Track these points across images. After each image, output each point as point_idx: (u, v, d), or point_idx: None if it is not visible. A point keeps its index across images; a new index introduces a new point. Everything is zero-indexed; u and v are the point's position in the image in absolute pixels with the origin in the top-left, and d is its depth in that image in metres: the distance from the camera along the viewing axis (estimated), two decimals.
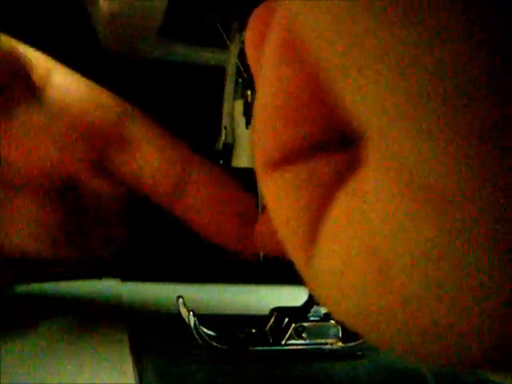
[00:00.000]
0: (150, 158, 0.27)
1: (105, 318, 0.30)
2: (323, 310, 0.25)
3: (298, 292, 0.25)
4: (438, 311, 0.10)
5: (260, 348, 0.25)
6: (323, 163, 0.12)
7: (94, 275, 0.35)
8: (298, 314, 0.25)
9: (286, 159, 0.12)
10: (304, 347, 0.25)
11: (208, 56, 0.32)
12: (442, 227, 0.09)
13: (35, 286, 0.33)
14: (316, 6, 0.09)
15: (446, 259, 0.09)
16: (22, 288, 0.32)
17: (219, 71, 0.28)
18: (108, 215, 0.29)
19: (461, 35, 0.08)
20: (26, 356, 0.25)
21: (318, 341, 0.25)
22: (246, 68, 0.26)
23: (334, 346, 0.25)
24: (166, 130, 0.28)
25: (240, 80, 0.27)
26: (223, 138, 0.28)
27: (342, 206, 0.11)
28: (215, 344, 0.24)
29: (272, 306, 0.26)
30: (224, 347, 0.24)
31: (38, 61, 0.26)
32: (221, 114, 0.28)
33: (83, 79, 0.27)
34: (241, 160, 0.27)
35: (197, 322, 0.24)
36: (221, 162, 0.28)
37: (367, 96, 0.09)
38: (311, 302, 0.25)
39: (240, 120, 0.27)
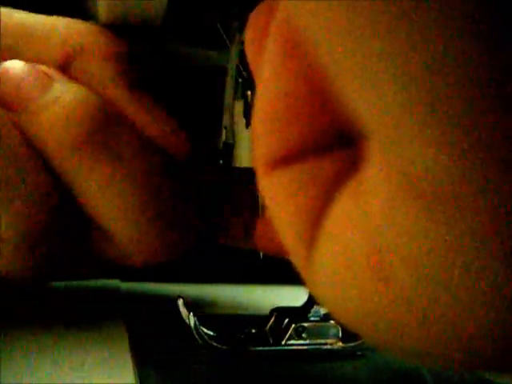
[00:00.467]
0: None
1: (104, 317, 0.30)
2: (323, 311, 0.25)
3: (298, 292, 0.25)
4: (439, 312, 0.10)
5: (260, 348, 0.25)
6: (323, 163, 0.12)
7: (95, 275, 0.35)
8: (298, 314, 0.25)
9: (285, 159, 0.12)
10: (304, 347, 0.25)
11: (208, 56, 0.32)
12: (443, 228, 0.09)
13: (35, 286, 0.33)
14: (315, 6, 0.09)
15: (448, 260, 0.09)
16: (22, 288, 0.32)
17: (219, 71, 0.28)
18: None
19: (466, 35, 0.07)
20: (26, 356, 0.25)
21: (318, 341, 0.25)
22: (246, 68, 0.26)
23: (334, 347, 0.25)
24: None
25: (240, 80, 0.27)
26: (223, 137, 0.28)
27: (342, 206, 0.11)
28: (215, 344, 0.24)
29: (272, 306, 0.26)
30: (224, 347, 0.24)
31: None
32: (221, 114, 0.28)
33: None
34: (241, 160, 0.27)
35: (197, 322, 0.24)
36: (221, 161, 0.28)
37: (369, 96, 0.09)
38: (311, 302, 0.25)
39: (240, 120, 0.27)
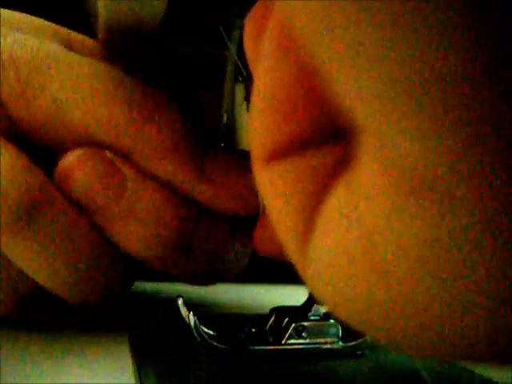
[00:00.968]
0: None
1: (104, 317, 0.30)
2: (323, 310, 0.25)
3: (298, 291, 0.25)
4: (436, 305, 0.10)
5: (260, 348, 0.25)
6: (318, 156, 0.12)
7: None
8: (297, 313, 0.25)
9: (281, 152, 0.12)
10: (304, 347, 0.25)
11: (208, 55, 0.32)
12: (437, 222, 0.09)
13: None
14: (311, 3, 0.09)
15: (443, 253, 0.09)
16: None
17: (219, 71, 0.28)
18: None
19: (462, 33, 0.07)
20: (26, 356, 0.25)
21: (318, 340, 0.25)
22: (246, 66, 0.26)
23: (334, 346, 0.25)
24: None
25: (240, 78, 0.27)
26: (224, 120, 0.28)
27: (337, 199, 0.11)
28: (215, 344, 0.24)
29: (272, 306, 0.26)
30: (224, 347, 0.24)
31: None
32: (221, 110, 0.28)
33: None
34: (242, 142, 0.28)
35: (197, 322, 0.24)
36: (222, 144, 0.28)
37: (363, 91, 0.09)
38: (311, 301, 0.25)
39: (240, 104, 0.27)
